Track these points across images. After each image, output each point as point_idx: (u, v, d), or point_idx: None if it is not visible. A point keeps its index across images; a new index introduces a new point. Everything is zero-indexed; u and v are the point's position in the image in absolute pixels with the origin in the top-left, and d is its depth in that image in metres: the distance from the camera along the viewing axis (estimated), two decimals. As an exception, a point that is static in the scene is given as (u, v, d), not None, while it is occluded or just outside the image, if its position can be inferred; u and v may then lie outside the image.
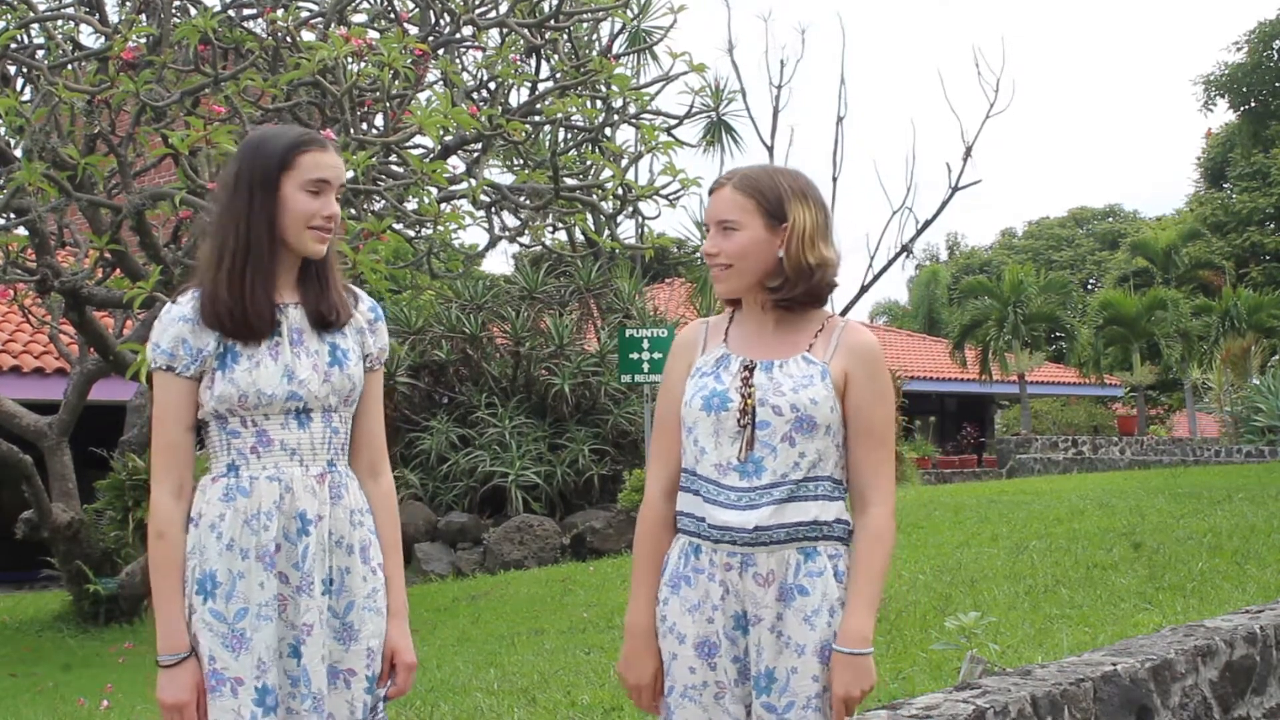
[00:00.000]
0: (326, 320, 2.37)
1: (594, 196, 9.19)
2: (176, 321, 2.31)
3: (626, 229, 18.59)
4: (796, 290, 2.32)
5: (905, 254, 16.89)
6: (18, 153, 7.50)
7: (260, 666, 2.23)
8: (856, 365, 2.32)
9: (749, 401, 2.29)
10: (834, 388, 2.30)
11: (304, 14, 7.98)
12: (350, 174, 7.10)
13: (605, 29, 14.82)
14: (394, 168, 7.87)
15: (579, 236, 14.61)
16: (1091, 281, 45.14)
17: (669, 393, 2.43)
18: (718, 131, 18.60)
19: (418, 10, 8.60)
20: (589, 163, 10.06)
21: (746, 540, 2.27)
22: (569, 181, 9.15)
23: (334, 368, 2.36)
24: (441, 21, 8.41)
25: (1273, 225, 34.62)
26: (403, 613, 2.43)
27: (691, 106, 10.30)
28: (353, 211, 7.37)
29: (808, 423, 2.27)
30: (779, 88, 16.13)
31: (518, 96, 9.69)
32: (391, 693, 2.40)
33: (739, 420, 2.29)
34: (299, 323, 2.36)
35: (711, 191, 2.39)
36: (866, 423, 2.32)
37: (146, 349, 2.38)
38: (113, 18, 8.32)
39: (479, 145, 8.31)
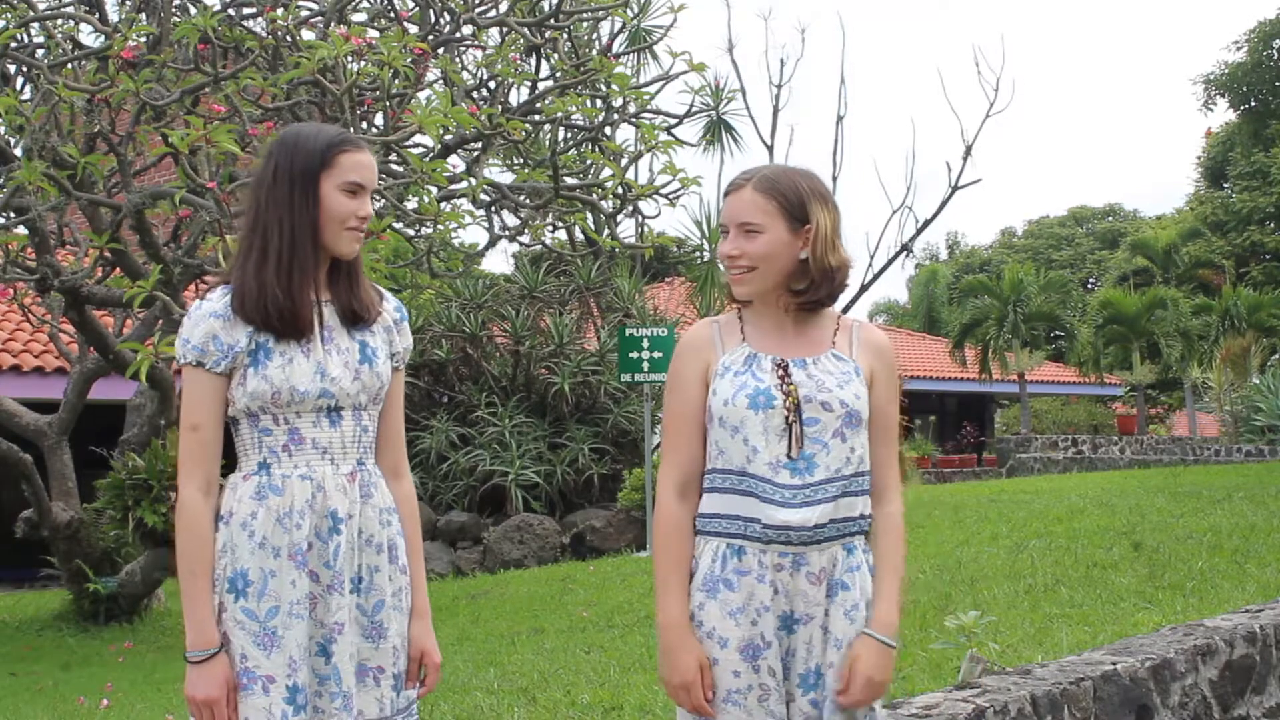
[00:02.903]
0: (358, 317, 2.38)
1: (594, 196, 9.19)
2: (208, 317, 2.30)
3: (626, 228, 18.60)
4: (821, 292, 2.34)
5: (905, 253, 16.84)
6: (18, 152, 7.50)
7: (291, 665, 2.23)
8: (878, 363, 2.39)
9: (791, 398, 2.29)
10: (865, 384, 2.36)
11: (304, 13, 7.97)
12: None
13: (605, 28, 14.83)
14: (394, 167, 7.87)
15: (579, 236, 14.61)
16: (1091, 281, 45.14)
17: (683, 393, 2.38)
18: (718, 131, 18.60)
19: (418, 9, 8.60)
20: (589, 162, 10.07)
21: (804, 539, 2.27)
22: (569, 181, 9.15)
23: (364, 365, 2.36)
24: (441, 20, 8.41)
25: (1273, 224, 34.61)
26: (427, 613, 2.45)
27: (691, 106, 10.32)
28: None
29: (855, 418, 2.31)
30: (779, 87, 16.08)
31: (518, 96, 9.70)
32: (420, 692, 2.42)
33: (786, 418, 2.29)
34: (330, 320, 2.37)
35: (729, 193, 2.37)
36: (884, 419, 2.38)
37: (176, 344, 2.37)
38: (113, 17, 8.32)
39: (479, 144, 8.31)
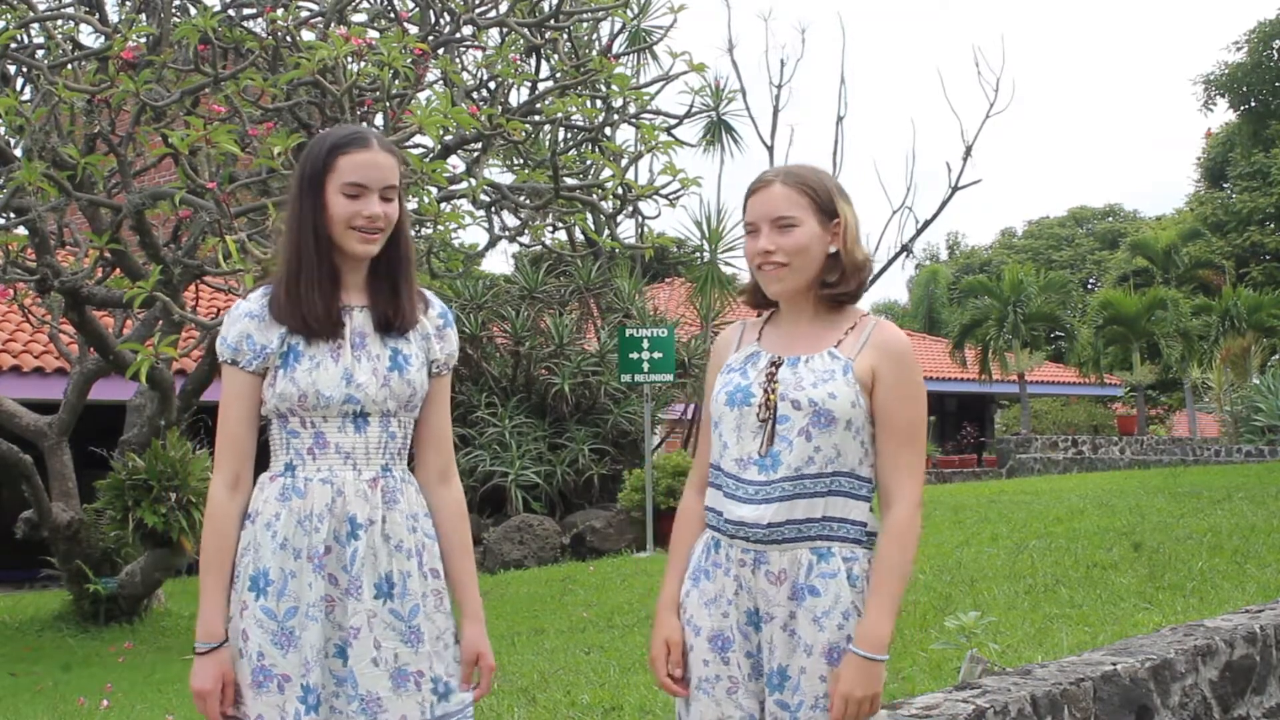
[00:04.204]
0: (390, 324, 2.38)
1: (594, 196, 9.19)
2: (243, 317, 2.35)
3: (626, 229, 18.58)
4: (851, 285, 2.36)
5: (905, 254, 16.84)
6: (18, 152, 7.50)
7: (306, 665, 2.26)
8: (884, 362, 2.32)
9: (771, 396, 2.31)
10: (859, 383, 2.30)
11: (304, 14, 7.97)
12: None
13: (605, 29, 14.82)
14: (394, 167, 7.85)
15: (579, 236, 14.61)
16: (1091, 281, 45.15)
17: (708, 394, 2.47)
18: (718, 131, 18.57)
19: (418, 10, 8.59)
20: (589, 162, 10.07)
21: (759, 537, 2.28)
22: (569, 181, 9.15)
23: (393, 372, 2.37)
24: (441, 21, 8.40)
25: (1273, 225, 34.62)
26: (481, 616, 2.46)
27: (691, 106, 10.33)
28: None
29: (825, 417, 2.27)
30: (779, 87, 16.08)
31: (518, 96, 9.69)
32: (476, 695, 2.44)
33: (759, 415, 2.31)
34: (363, 326, 2.38)
35: (755, 191, 2.38)
36: (892, 420, 2.32)
37: (216, 342, 2.44)
38: (113, 17, 8.32)
39: (479, 145, 8.31)
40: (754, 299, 2.46)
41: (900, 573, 2.27)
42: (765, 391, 2.32)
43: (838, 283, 2.35)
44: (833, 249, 2.34)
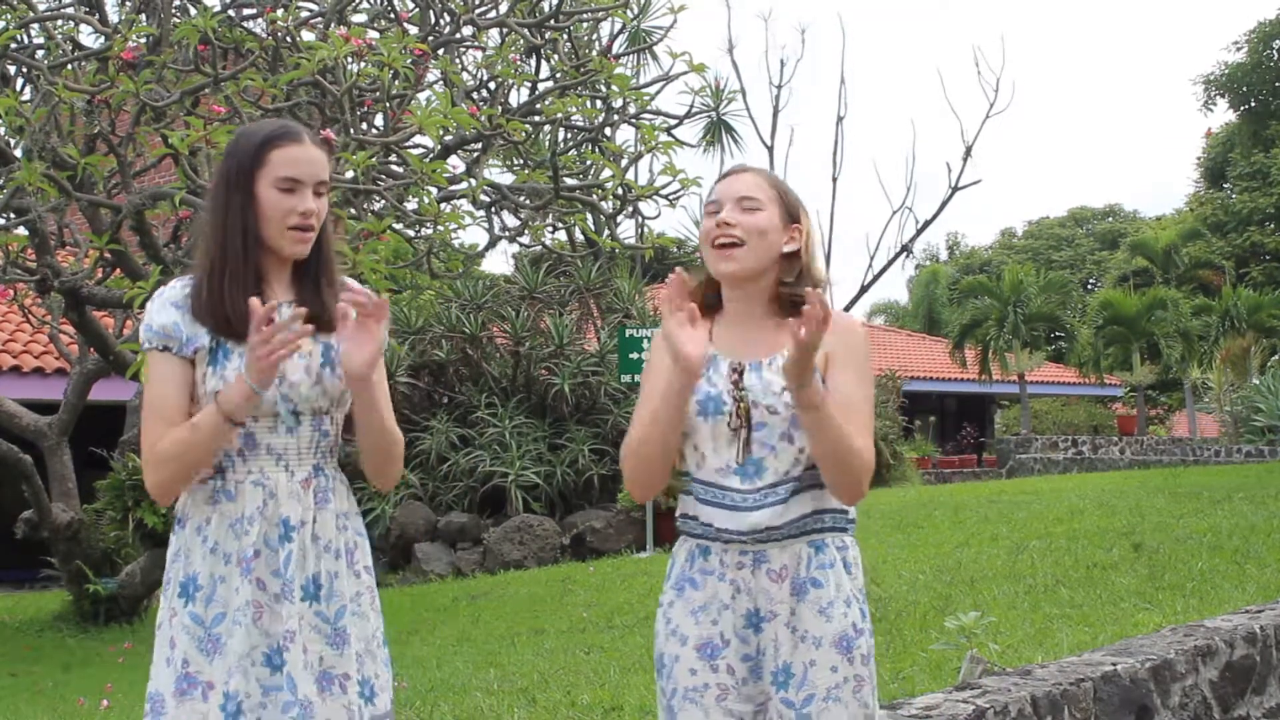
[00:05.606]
0: (319, 320, 2.30)
1: (594, 196, 9.19)
2: (168, 306, 2.28)
3: (626, 229, 18.60)
4: (803, 287, 2.33)
5: (905, 254, 16.82)
6: (18, 153, 7.50)
7: (229, 673, 2.19)
8: (836, 343, 2.29)
9: (742, 405, 2.29)
10: (820, 375, 2.28)
11: (304, 14, 7.97)
12: (350, 174, 7.11)
13: (605, 29, 14.81)
14: (394, 168, 7.87)
15: (579, 236, 14.60)
16: (1091, 281, 45.15)
17: (650, 385, 2.36)
18: (718, 131, 18.60)
19: (418, 10, 8.60)
20: (589, 163, 10.06)
21: (758, 538, 2.28)
22: (569, 181, 9.14)
23: (325, 369, 2.31)
24: (441, 21, 8.40)
25: (1273, 225, 34.61)
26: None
27: (691, 106, 10.30)
28: (352, 211, 7.37)
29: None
30: (779, 88, 16.08)
31: (518, 96, 9.69)
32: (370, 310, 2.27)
33: (730, 424, 2.29)
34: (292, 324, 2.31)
35: (724, 177, 2.41)
36: (842, 395, 2.27)
37: (140, 331, 2.33)
38: (113, 18, 8.31)
39: (479, 145, 8.31)
40: (703, 296, 2.39)
41: (837, 430, 2.20)
42: (735, 400, 2.30)
43: (796, 283, 2.34)
44: (789, 248, 2.34)
